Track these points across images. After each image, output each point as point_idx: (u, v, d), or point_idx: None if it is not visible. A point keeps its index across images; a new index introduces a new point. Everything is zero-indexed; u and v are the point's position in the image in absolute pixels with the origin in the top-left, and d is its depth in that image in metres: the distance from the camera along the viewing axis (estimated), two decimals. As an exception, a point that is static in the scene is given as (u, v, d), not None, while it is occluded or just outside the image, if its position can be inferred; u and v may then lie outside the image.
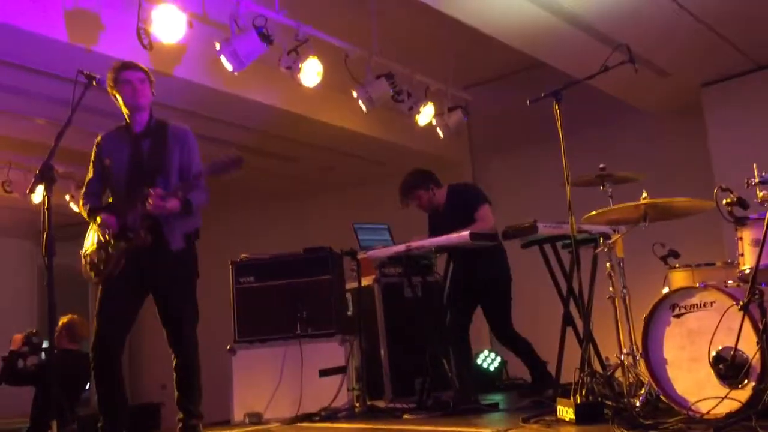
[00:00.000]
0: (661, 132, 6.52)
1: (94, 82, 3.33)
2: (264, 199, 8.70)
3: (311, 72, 5.13)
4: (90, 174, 3.80)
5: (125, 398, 3.71)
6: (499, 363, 6.18)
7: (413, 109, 6.06)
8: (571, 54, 5.20)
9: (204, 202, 3.73)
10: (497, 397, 5.08)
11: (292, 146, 7.07)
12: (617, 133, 6.67)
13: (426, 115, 6.17)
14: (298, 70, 5.08)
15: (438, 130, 6.39)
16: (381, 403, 5.04)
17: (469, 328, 5.01)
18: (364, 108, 5.68)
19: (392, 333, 5.32)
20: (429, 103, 6.17)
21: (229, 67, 4.73)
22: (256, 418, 4.83)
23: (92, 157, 3.79)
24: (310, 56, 5.09)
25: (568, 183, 4.03)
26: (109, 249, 3.59)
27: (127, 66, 3.71)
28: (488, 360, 6.19)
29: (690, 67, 5.63)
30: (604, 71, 4.07)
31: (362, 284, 5.30)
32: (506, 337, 4.97)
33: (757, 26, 5.00)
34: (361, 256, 5.21)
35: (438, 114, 6.30)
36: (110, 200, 3.78)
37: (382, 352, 5.24)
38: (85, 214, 3.75)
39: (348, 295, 5.40)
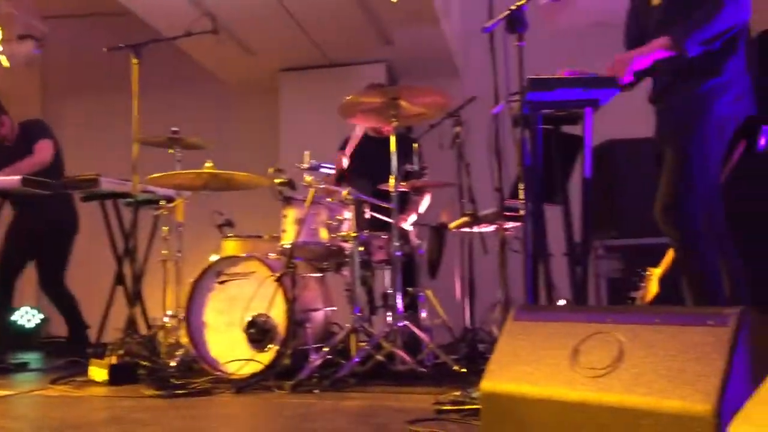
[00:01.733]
0: (241, 106, 6.78)
1: None
2: None
3: None
4: None
5: None
6: (39, 320, 5.75)
7: (-27, 28, 5.28)
8: (161, 10, 5.07)
9: None
10: (32, 357, 4.73)
11: None
12: (198, 99, 6.74)
13: (-12, 37, 5.42)
14: None
15: (3, 57, 5.67)
16: None
17: (17, 278, 4.60)
18: None
19: None
20: (-6, 25, 5.44)
21: None
22: None
23: None
24: None
25: (137, 141, 3.97)
26: None
27: None
28: (27, 317, 5.71)
29: (273, 51, 5.95)
30: (187, 35, 4.10)
31: None
32: (55, 291, 4.69)
33: (332, 28, 5.53)
34: None
35: (5, 40, 5.59)
36: None
37: None
38: None
39: None
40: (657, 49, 2.48)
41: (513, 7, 2.52)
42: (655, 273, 3.37)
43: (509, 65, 2.59)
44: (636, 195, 2.98)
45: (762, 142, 2.61)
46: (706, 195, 2.46)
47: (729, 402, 1.41)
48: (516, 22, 2.48)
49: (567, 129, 2.96)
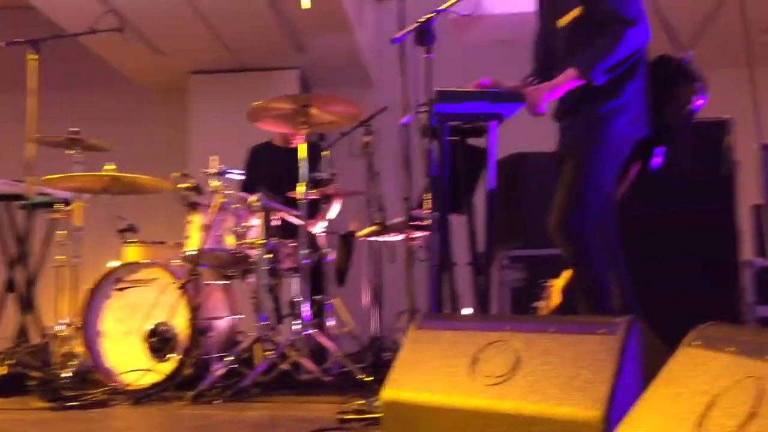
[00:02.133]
0: (149, 107, 6.59)
1: None
2: None
3: None
4: None
5: None
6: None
7: None
8: (64, 5, 4.86)
9: None
10: None
11: None
12: (102, 98, 6.50)
13: None
14: None
15: None
16: None
17: None
18: None
19: None
20: None
21: None
22: None
23: None
24: None
25: (31, 140, 3.79)
26: None
27: None
28: None
29: (182, 52, 5.80)
30: (91, 32, 3.96)
31: None
32: None
33: (245, 32, 5.45)
34: None
35: None
36: None
37: None
38: None
39: None
40: (569, 79, 2.54)
41: (422, 20, 2.55)
42: (557, 284, 3.46)
43: (419, 77, 2.62)
44: (542, 207, 3.06)
45: (655, 161, 2.72)
46: (599, 213, 2.54)
47: (618, 408, 1.46)
48: (424, 35, 2.51)
49: (475, 141, 3.02)
